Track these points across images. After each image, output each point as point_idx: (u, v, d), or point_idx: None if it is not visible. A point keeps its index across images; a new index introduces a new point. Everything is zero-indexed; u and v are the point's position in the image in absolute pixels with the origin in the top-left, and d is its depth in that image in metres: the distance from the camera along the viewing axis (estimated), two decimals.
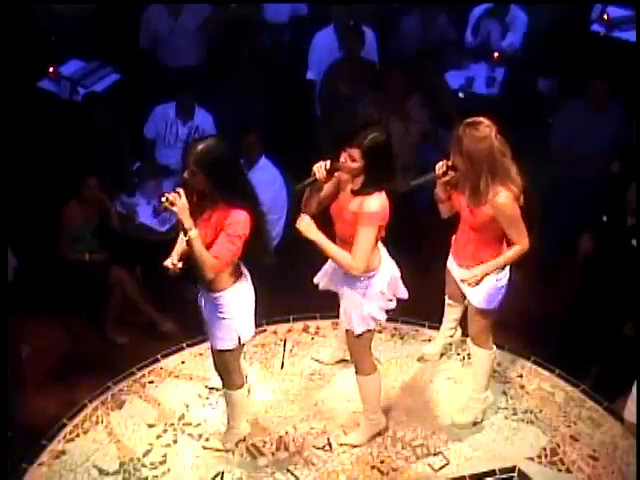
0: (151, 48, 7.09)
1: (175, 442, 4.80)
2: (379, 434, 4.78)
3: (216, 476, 4.64)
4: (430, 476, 4.65)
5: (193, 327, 4.64)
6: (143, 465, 4.68)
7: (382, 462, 4.70)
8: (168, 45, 6.99)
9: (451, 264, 4.63)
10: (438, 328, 5.19)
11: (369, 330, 4.37)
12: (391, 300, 4.35)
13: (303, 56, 7.07)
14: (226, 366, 4.40)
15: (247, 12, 7.24)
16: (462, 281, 4.42)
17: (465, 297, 4.75)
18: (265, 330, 5.52)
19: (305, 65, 6.97)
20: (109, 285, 5.54)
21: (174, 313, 5.57)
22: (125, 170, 6.15)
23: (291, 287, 5.78)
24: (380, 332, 5.22)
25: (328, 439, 4.80)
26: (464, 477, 4.65)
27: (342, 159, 4.07)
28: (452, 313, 4.99)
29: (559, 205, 6.07)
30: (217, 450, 4.74)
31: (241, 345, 4.30)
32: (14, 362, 4.60)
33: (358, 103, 6.26)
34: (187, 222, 3.90)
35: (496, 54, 7.03)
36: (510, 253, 4.32)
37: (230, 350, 4.27)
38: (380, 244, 4.27)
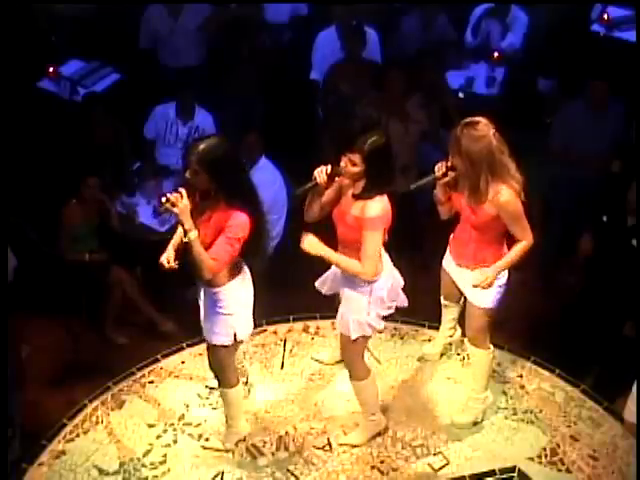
0: (151, 48, 7.09)
1: (175, 442, 4.80)
2: (379, 434, 4.78)
3: (216, 476, 4.64)
4: (430, 476, 4.65)
5: (193, 327, 4.63)
6: (143, 465, 4.69)
7: (382, 462, 4.70)
8: (168, 45, 6.99)
9: (449, 264, 4.62)
10: (438, 328, 5.19)
11: (364, 336, 4.37)
12: (390, 308, 4.34)
13: (303, 56, 7.07)
14: (220, 363, 4.41)
15: (247, 12, 7.23)
16: (474, 286, 4.39)
17: (461, 297, 4.77)
18: (265, 330, 5.52)
19: (305, 65, 6.97)
20: (109, 285, 5.54)
21: (174, 313, 5.57)
22: (125, 170, 6.15)
23: (291, 287, 5.79)
24: (380, 332, 5.20)
25: (328, 439, 4.80)
26: (464, 477, 4.65)
27: (343, 164, 4.06)
28: (449, 313, 4.99)
29: (559, 205, 6.07)
30: (217, 450, 4.75)
31: (237, 342, 4.30)
32: (14, 362, 4.59)
33: (358, 103, 6.27)
34: (187, 223, 3.91)
35: (496, 54, 7.03)
36: (518, 250, 4.31)
37: (225, 346, 4.28)
38: (382, 250, 4.26)
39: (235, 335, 4.24)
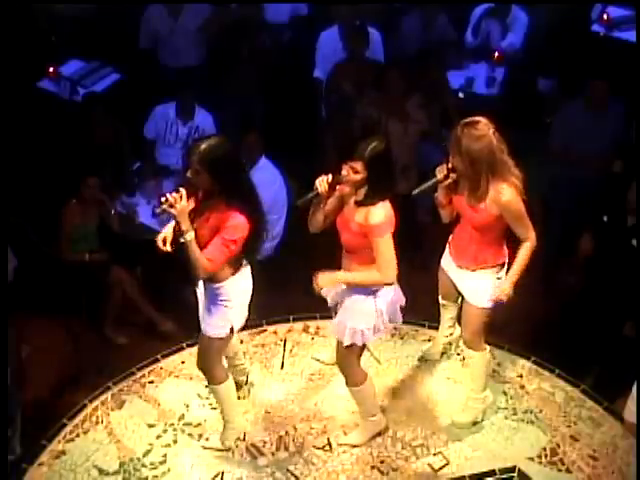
0: (151, 48, 7.09)
1: (175, 442, 4.81)
2: (379, 434, 4.78)
3: (216, 476, 4.64)
4: (430, 476, 4.65)
5: (193, 327, 4.64)
6: (143, 465, 4.69)
7: (382, 462, 4.70)
8: (168, 45, 6.99)
9: (448, 265, 4.62)
10: (438, 328, 5.18)
11: (359, 345, 4.37)
12: (385, 323, 4.31)
13: (303, 56, 7.08)
14: (211, 357, 4.43)
15: (247, 12, 7.23)
16: (494, 301, 4.40)
17: (458, 296, 4.77)
18: (265, 330, 5.53)
19: (305, 65, 6.98)
20: (109, 285, 5.54)
21: (174, 313, 5.57)
22: (125, 170, 6.15)
23: (291, 287, 5.79)
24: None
25: (328, 439, 4.80)
26: (464, 477, 4.65)
27: (344, 172, 4.04)
28: (448, 313, 5.00)
29: (559, 205, 6.06)
30: (217, 450, 4.75)
31: (231, 334, 4.36)
32: (14, 362, 4.59)
33: (358, 104, 6.27)
34: (185, 225, 3.96)
35: (496, 54, 7.03)
36: (525, 254, 4.30)
37: (221, 338, 4.34)
38: None
39: (232, 328, 4.31)
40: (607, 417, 4.94)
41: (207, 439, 4.80)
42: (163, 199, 3.95)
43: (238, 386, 5.02)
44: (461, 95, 6.86)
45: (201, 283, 4.30)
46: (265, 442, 4.80)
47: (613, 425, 4.88)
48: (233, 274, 4.22)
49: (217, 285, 4.21)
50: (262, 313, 5.51)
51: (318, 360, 5.26)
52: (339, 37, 6.90)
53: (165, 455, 4.74)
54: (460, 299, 4.81)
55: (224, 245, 4.01)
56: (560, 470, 4.68)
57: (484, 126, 4.12)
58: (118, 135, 6.31)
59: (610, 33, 7.33)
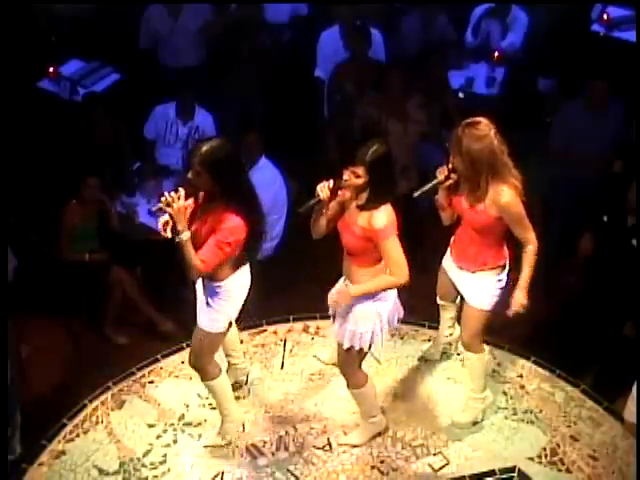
0: (151, 48, 7.09)
1: (175, 442, 4.81)
2: (379, 434, 4.78)
3: (216, 476, 4.64)
4: (430, 476, 4.65)
5: (193, 327, 4.63)
6: (143, 465, 4.69)
7: (382, 462, 4.70)
8: (168, 45, 6.99)
9: (449, 266, 4.62)
10: (438, 328, 5.18)
11: (359, 349, 4.37)
12: (382, 330, 4.31)
13: (303, 56, 7.07)
14: (205, 353, 4.45)
15: (247, 12, 7.23)
16: (512, 313, 4.40)
17: (457, 297, 4.78)
18: (265, 330, 5.53)
19: (305, 65, 6.97)
20: (109, 285, 5.53)
21: (174, 313, 5.57)
22: (125, 170, 6.14)
23: (291, 287, 5.79)
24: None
25: (328, 439, 4.81)
26: (464, 477, 4.65)
27: (346, 177, 4.04)
28: (447, 313, 5.00)
29: (559, 205, 6.06)
30: (218, 447, 4.75)
31: (228, 328, 4.42)
32: (14, 362, 4.59)
33: (358, 104, 6.27)
34: (180, 225, 3.98)
35: (496, 54, 7.02)
36: (531, 258, 4.30)
37: (218, 333, 4.39)
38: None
39: (230, 323, 4.38)
40: (607, 417, 4.94)
41: (206, 438, 4.81)
42: (163, 199, 3.96)
43: (238, 386, 5.03)
44: (461, 95, 6.86)
45: (200, 279, 4.33)
46: (265, 442, 4.80)
47: (613, 425, 4.88)
48: (232, 273, 4.26)
49: (217, 284, 4.24)
50: (262, 313, 5.52)
51: (320, 359, 5.26)
52: (340, 37, 6.91)
53: (165, 455, 4.74)
54: (458, 300, 4.82)
55: (218, 247, 4.04)
56: (560, 470, 4.68)
57: (485, 126, 4.12)
58: (118, 135, 6.31)
59: (610, 33, 7.33)
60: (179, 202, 3.97)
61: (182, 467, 4.68)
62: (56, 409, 4.99)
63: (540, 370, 5.24)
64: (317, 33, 7.02)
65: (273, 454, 4.74)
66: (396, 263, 4.07)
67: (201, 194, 4.20)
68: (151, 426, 4.90)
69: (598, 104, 5.91)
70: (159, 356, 5.33)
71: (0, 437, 4.06)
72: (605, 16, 7.34)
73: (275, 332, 5.53)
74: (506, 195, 4.16)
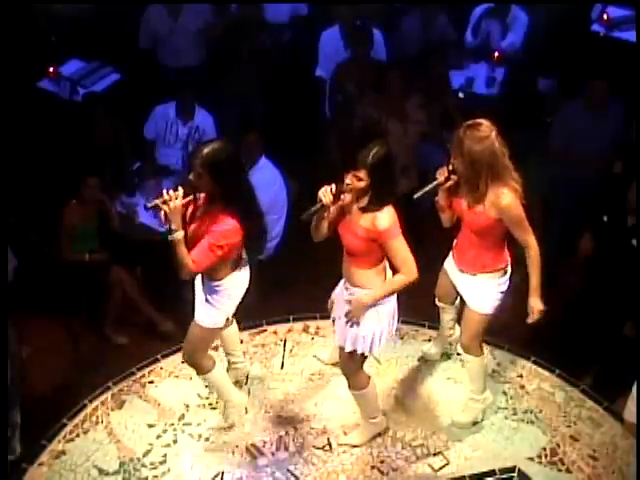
0: (151, 48, 7.08)
1: (175, 442, 4.81)
2: (379, 434, 4.78)
3: (216, 476, 4.65)
4: (430, 476, 4.65)
5: None
6: (143, 465, 4.69)
7: (382, 462, 4.70)
8: (168, 45, 6.99)
9: (451, 269, 4.62)
10: (438, 328, 5.19)
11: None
12: (382, 334, 4.33)
13: (303, 56, 7.07)
14: (200, 348, 4.49)
15: (247, 12, 7.23)
16: (532, 321, 4.42)
17: (455, 298, 4.79)
18: (265, 330, 5.53)
19: (305, 65, 6.97)
20: (109, 285, 5.53)
21: (174, 313, 5.57)
22: (125, 170, 6.14)
23: (291, 287, 5.80)
24: None
25: (328, 439, 4.81)
26: (464, 477, 4.65)
27: (348, 181, 4.03)
28: (447, 314, 5.00)
29: (559, 205, 6.06)
30: (222, 429, 4.81)
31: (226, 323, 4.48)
32: (14, 362, 4.59)
33: (359, 104, 6.27)
34: (175, 224, 4.03)
35: (496, 54, 7.03)
36: (535, 263, 4.31)
37: (217, 329, 4.45)
38: (390, 273, 4.27)
39: (228, 319, 4.44)
40: (607, 417, 4.94)
41: (207, 439, 4.81)
42: (164, 197, 4.01)
43: (238, 386, 5.03)
44: (461, 95, 6.86)
45: (199, 276, 4.36)
46: (265, 442, 4.81)
47: (613, 425, 4.88)
48: (231, 273, 4.29)
49: (216, 283, 4.28)
50: (262, 313, 5.52)
51: (320, 359, 5.26)
52: (340, 37, 6.91)
53: (165, 455, 4.74)
54: (457, 302, 4.82)
55: (209, 249, 4.07)
56: (560, 470, 4.68)
57: (487, 128, 4.12)
58: (118, 135, 6.31)
59: (610, 33, 7.33)
60: (176, 201, 4.02)
61: (182, 467, 4.68)
62: (56, 409, 4.99)
63: (540, 370, 5.24)
64: (317, 33, 7.02)
65: (273, 454, 4.74)
66: (405, 261, 4.09)
67: (202, 195, 4.22)
68: (151, 426, 4.90)
69: (598, 104, 5.91)
70: (159, 356, 5.33)
71: (0, 437, 4.06)
72: (605, 16, 7.34)
73: (275, 332, 5.53)
74: (506, 197, 4.15)
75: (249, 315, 5.12)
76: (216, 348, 5.08)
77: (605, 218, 5.26)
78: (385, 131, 5.98)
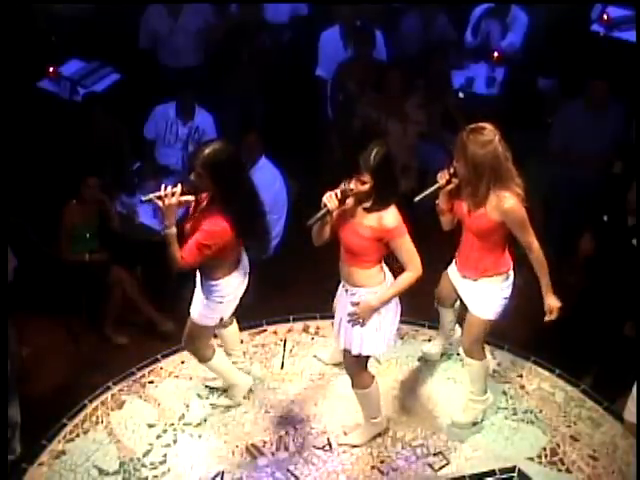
0: (151, 48, 7.08)
1: (175, 442, 4.81)
2: (379, 434, 4.78)
3: (216, 476, 4.65)
4: (430, 476, 4.65)
5: None
6: (143, 465, 4.69)
7: (382, 462, 4.70)
8: (168, 45, 6.99)
9: (454, 275, 4.61)
10: (438, 328, 5.19)
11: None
12: (385, 337, 4.34)
13: (303, 56, 7.07)
14: (198, 340, 4.60)
15: (247, 13, 7.23)
16: (549, 319, 4.44)
17: (455, 302, 4.79)
18: (265, 330, 5.53)
19: (306, 65, 6.97)
20: (109, 285, 5.53)
21: (174, 313, 5.57)
22: (125, 170, 6.15)
23: (291, 287, 5.80)
24: None
25: (328, 439, 4.81)
26: (464, 477, 4.65)
27: (352, 185, 4.02)
28: (447, 316, 5.01)
29: (559, 205, 6.06)
30: (226, 407, 4.89)
31: (221, 322, 4.55)
32: (14, 362, 4.59)
33: (359, 104, 6.27)
34: (168, 221, 4.12)
35: (496, 54, 7.03)
36: (540, 265, 4.32)
37: (208, 326, 4.52)
38: (390, 275, 4.28)
39: (222, 318, 4.49)
40: (607, 417, 4.94)
41: (206, 438, 4.81)
42: (160, 192, 4.09)
43: None
44: (461, 95, 6.86)
45: (198, 273, 4.43)
46: (265, 442, 4.81)
47: (613, 425, 4.88)
48: (228, 275, 4.34)
49: (212, 282, 4.33)
50: (262, 313, 5.52)
51: (320, 360, 5.26)
52: (340, 37, 6.91)
53: (165, 455, 4.74)
54: (457, 304, 4.82)
55: (197, 247, 4.13)
56: (560, 470, 4.68)
57: (490, 132, 4.11)
58: (118, 135, 6.31)
59: (610, 33, 7.33)
60: (171, 199, 4.07)
61: (182, 467, 4.68)
62: (56, 409, 4.99)
63: (540, 370, 5.24)
64: (317, 33, 7.02)
65: (273, 454, 4.74)
66: (412, 258, 4.13)
67: (204, 195, 4.24)
68: (151, 426, 4.90)
69: (598, 104, 5.90)
70: (159, 356, 5.33)
71: (0, 437, 4.06)
72: (605, 16, 7.34)
73: (275, 332, 5.53)
74: (509, 200, 4.15)
75: (249, 315, 5.12)
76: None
77: (605, 218, 5.26)
78: (385, 131, 5.98)
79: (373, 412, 4.68)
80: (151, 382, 5.18)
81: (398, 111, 6.11)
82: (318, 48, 6.96)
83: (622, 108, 6.01)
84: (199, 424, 4.90)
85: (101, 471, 4.66)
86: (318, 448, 4.77)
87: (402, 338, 5.43)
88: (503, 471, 4.66)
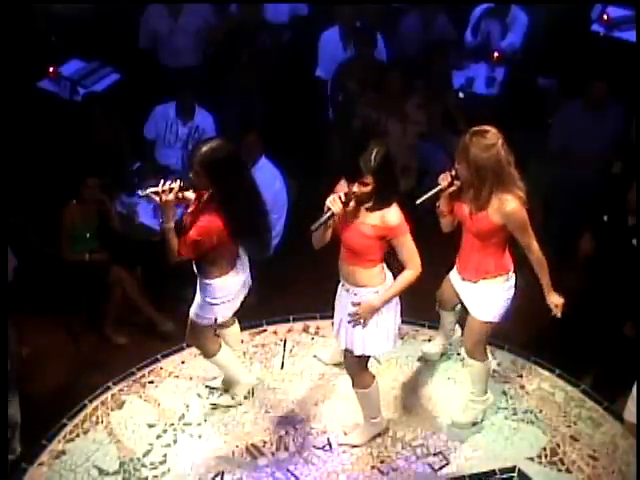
0: (151, 48, 7.09)
1: (175, 442, 4.81)
2: (379, 434, 4.78)
3: (216, 476, 4.64)
4: (430, 476, 4.65)
5: None
6: (143, 465, 4.69)
7: (382, 462, 4.70)
8: (168, 45, 6.99)
9: (455, 278, 4.61)
10: (438, 328, 5.19)
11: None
12: (389, 332, 4.34)
13: (303, 56, 7.07)
14: (198, 336, 4.63)
15: (247, 13, 7.23)
16: (554, 314, 4.43)
17: (455, 305, 4.80)
18: (265, 330, 5.53)
19: (305, 65, 6.98)
20: (109, 285, 5.53)
21: (174, 313, 5.57)
22: (125, 170, 6.15)
23: (291, 287, 5.79)
24: None
25: (328, 439, 4.80)
26: (464, 477, 4.65)
27: (355, 188, 4.01)
28: (447, 318, 5.01)
29: (559, 205, 6.06)
30: (226, 407, 4.88)
31: (216, 323, 4.55)
32: (14, 362, 4.59)
33: (359, 104, 6.27)
34: (165, 217, 4.16)
35: (496, 54, 7.03)
36: (540, 266, 4.33)
37: (204, 325, 4.54)
38: (390, 276, 4.28)
39: (216, 319, 4.49)
40: (607, 417, 4.94)
41: (206, 438, 4.81)
42: (158, 188, 4.10)
43: None
44: (461, 95, 6.86)
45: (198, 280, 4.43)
46: (265, 442, 4.80)
47: (613, 425, 4.88)
48: (223, 275, 4.34)
49: (207, 281, 4.35)
50: (262, 313, 5.52)
51: (320, 360, 5.26)
52: (340, 37, 6.91)
53: (165, 455, 4.74)
54: (458, 307, 4.82)
55: (191, 242, 4.17)
56: (560, 470, 4.68)
57: (493, 136, 4.10)
58: (118, 135, 6.31)
59: (610, 33, 7.33)
60: (169, 196, 4.10)
61: (182, 467, 4.68)
62: (56, 409, 4.99)
63: (540, 370, 5.24)
64: (317, 33, 7.02)
65: (273, 454, 4.74)
66: (413, 256, 4.15)
67: (205, 194, 4.26)
68: (151, 426, 4.90)
69: (597, 104, 5.91)
70: (159, 356, 5.33)
71: (0, 437, 4.06)
72: (605, 16, 7.34)
73: (275, 332, 5.53)
74: (511, 203, 4.15)
75: (249, 315, 5.12)
76: None
77: (605, 218, 5.26)
78: (385, 131, 5.98)
79: (373, 412, 4.68)
80: (151, 382, 5.18)
81: (398, 111, 6.11)
82: (318, 49, 6.97)
83: (622, 108, 6.01)
84: (199, 424, 4.90)
85: (101, 471, 4.66)
86: (318, 448, 4.76)
87: (402, 338, 5.41)
88: (503, 471, 4.66)
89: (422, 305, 5.12)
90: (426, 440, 4.81)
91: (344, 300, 4.33)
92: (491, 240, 4.31)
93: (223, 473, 4.65)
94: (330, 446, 4.77)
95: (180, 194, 4.19)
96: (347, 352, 4.42)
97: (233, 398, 4.93)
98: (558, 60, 7.01)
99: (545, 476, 4.65)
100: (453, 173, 4.22)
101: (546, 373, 5.22)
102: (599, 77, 5.90)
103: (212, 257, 4.28)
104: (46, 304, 5.62)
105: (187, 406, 5.01)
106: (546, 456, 4.74)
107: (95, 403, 5.03)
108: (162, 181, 4.16)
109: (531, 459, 4.72)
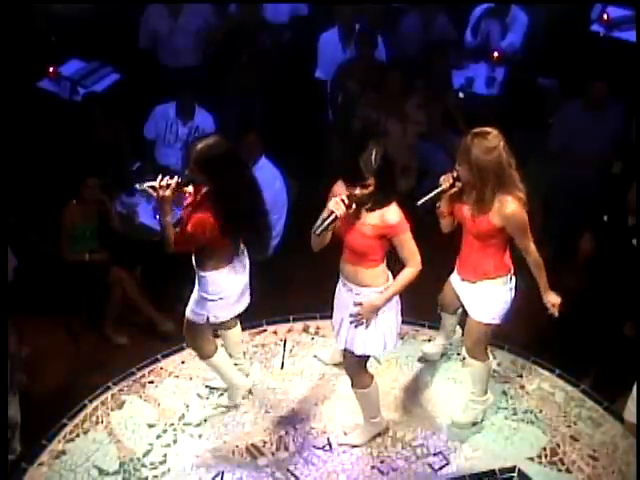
0: (151, 48, 7.09)
1: (175, 442, 4.81)
2: (379, 434, 4.78)
3: (216, 476, 4.64)
4: (430, 476, 4.65)
5: None
6: (143, 465, 4.69)
7: (382, 462, 4.70)
8: (168, 45, 6.99)
9: (455, 280, 4.61)
10: (438, 328, 5.19)
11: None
12: (391, 332, 4.35)
13: (303, 56, 7.07)
14: (194, 336, 4.63)
15: (247, 13, 7.23)
16: (552, 314, 4.44)
17: (457, 309, 4.80)
18: (265, 330, 5.53)
19: (305, 65, 6.98)
20: (109, 285, 5.53)
21: (174, 313, 5.56)
22: (125, 170, 6.15)
23: (291, 287, 5.79)
24: None
25: (328, 439, 4.80)
26: (464, 477, 4.65)
27: (357, 191, 4.01)
28: (448, 319, 5.01)
29: (559, 205, 6.06)
30: (226, 407, 4.89)
31: (209, 323, 4.51)
32: (14, 362, 4.59)
33: (359, 104, 6.28)
34: (162, 212, 4.17)
35: (496, 54, 7.03)
36: (537, 267, 4.32)
37: (198, 323, 4.51)
38: (390, 276, 4.28)
39: (208, 318, 4.46)
40: (607, 417, 4.94)
41: (206, 438, 4.81)
42: (155, 183, 4.11)
43: None
44: (461, 95, 6.86)
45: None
46: (265, 442, 4.80)
47: (613, 425, 4.88)
48: (217, 269, 4.34)
49: (202, 274, 4.36)
50: (262, 313, 5.52)
51: (320, 360, 5.26)
52: (339, 38, 6.92)
53: (165, 455, 4.74)
54: (460, 310, 4.82)
55: (185, 235, 4.19)
56: (560, 470, 4.68)
57: (495, 138, 4.09)
58: (118, 135, 6.31)
59: (610, 33, 7.33)
60: (166, 192, 4.10)
61: (182, 467, 4.68)
62: (56, 409, 4.99)
63: (540, 370, 5.24)
64: (317, 33, 7.02)
65: (273, 454, 4.74)
66: (413, 254, 4.16)
67: (204, 189, 4.26)
68: (151, 426, 4.90)
69: (597, 104, 5.91)
70: (159, 356, 5.33)
71: (0, 437, 4.06)
72: (605, 16, 7.34)
73: (275, 332, 5.53)
74: (511, 205, 4.14)
75: (249, 315, 5.11)
76: None
77: (605, 218, 5.26)
78: (385, 131, 5.98)
79: (373, 412, 4.68)
80: (151, 382, 5.18)
81: (398, 111, 6.11)
82: (317, 50, 6.96)
83: (622, 108, 6.01)
84: (199, 424, 4.90)
85: (101, 471, 4.66)
86: (318, 448, 4.76)
87: (402, 338, 5.41)
88: (503, 471, 4.66)
89: (422, 305, 5.12)
90: (426, 440, 4.81)
91: (345, 300, 4.33)
92: (491, 241, 4.31)
93: (223, 473, 4.65)
94: (330, 446, 4.78)
95: (177, 190, 4.19)
96: (347, 352, 4.42)
97: (230, 401, 4.92)
98: (558, 60, 7.01)
99: (545, 476, 4.65)
100: (455, 175, 4.21)
101: (546, 373, 5.22)
102: (599, 77, 5.90)
103: (208, 251, 4.30)
104: (46, 304, 5.62)
105: (187, 406, 5.01)
106: (546, 456, 4.74)
107: (95, 403, 5.03)
108: (160, 177, 4.15)
109: (531, 459, 4.72)
